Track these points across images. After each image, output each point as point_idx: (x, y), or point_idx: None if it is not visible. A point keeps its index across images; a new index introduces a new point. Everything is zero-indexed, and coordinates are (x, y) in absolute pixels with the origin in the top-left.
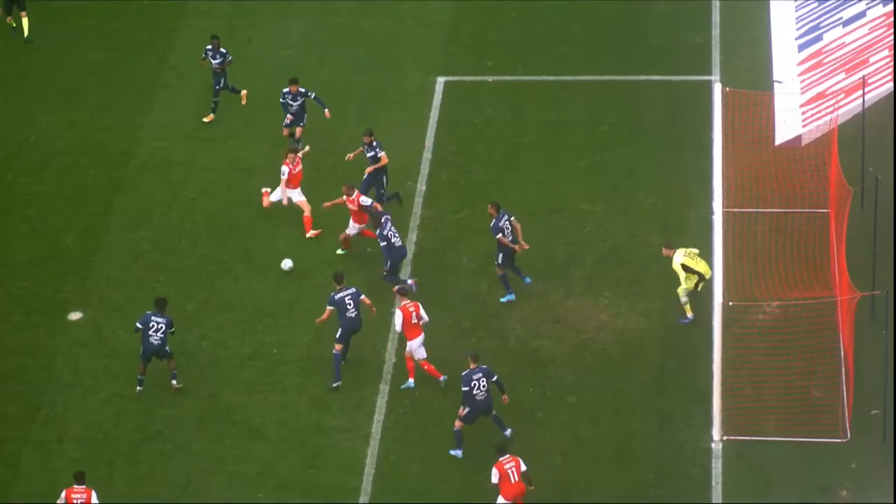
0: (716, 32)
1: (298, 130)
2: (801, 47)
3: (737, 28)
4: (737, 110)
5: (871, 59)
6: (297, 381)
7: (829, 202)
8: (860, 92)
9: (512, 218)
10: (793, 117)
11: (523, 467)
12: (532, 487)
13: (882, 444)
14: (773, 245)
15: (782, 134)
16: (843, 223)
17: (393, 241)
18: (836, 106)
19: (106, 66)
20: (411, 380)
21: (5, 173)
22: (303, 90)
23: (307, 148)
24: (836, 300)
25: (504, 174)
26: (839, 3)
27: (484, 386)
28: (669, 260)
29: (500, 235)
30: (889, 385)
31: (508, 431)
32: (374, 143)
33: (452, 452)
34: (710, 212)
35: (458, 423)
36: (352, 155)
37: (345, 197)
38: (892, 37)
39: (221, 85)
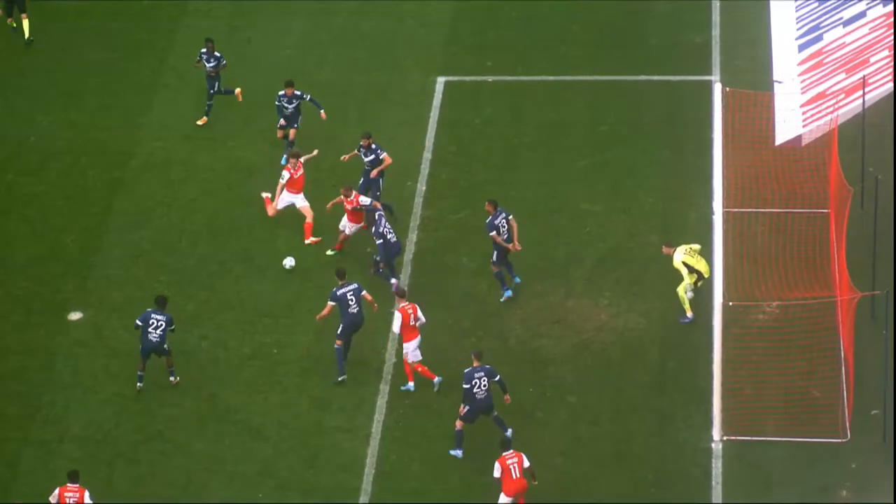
0: (716, 32)
1: (292, 132)
2: (802, 47)
3: (737, 28)
4: (737, 110)
5: (872, 59)
6: (297, 381)
7: (829, 202)
8: (860, 92)
9: (510, 217)
10: (793, 117)
11: (526, 463)
12: (535, 482)
13: (882, 444)
14: (773, 245)
15: (782, 134)
16: (843, 223)
17: (388, 237)
18: (837, 106)
19: (106, 66)
20: (411, 383)
21: (5, 173)
22: (298, 93)
23: (315, 151)
24: (836, 300)
25: (504, 174)
26: (839, 3)
27: (485, 385)
28: (670, 259)
29: (493, 233)
30: (889, 385)
31: (509, 432)
32: (374, 146)
33: (452, 452)
34: (710, 212)
35: (459, 423)
36: (346, 156)
37: (343, 198)
38: (892, 37)
39: (215, 89)
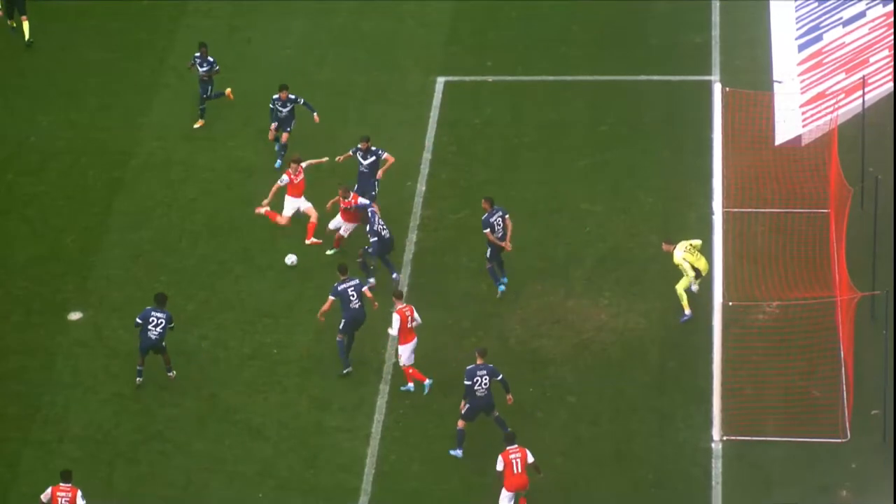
0: (716, 32)
1: (285, 136)
2: (801, 47)
3: (737, 28)
4: (737, 110)
5: (871, 59)
6: (297, 381)
7: (829, 202)
8: (860, 92)
9: (506, 216)
10: (793, 117)
11: (530, 458)
12: (540, 474)
13: (882, 444)
14: (773, 245)
15: (782, 134)
16: (843, 223)
17: (383, 234)
18: (836, 106)
19: (106, 66)
20: (410, 384)
21: (5, 173)
22: (292, 97)
23: (325, 159)
24: (836, 300)
25: (504, 174)
26: (839, 3)
27: (486, 383)
28: (669, 259)
29: (487, 231)
30: (889, 385)
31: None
32: (374, 148)
33: (452, 452)
34: (710, 212)
35: (460, 423)
36: (341, 157)
37: (340, 198)
38: (892, 37)
39: (208, 93)
